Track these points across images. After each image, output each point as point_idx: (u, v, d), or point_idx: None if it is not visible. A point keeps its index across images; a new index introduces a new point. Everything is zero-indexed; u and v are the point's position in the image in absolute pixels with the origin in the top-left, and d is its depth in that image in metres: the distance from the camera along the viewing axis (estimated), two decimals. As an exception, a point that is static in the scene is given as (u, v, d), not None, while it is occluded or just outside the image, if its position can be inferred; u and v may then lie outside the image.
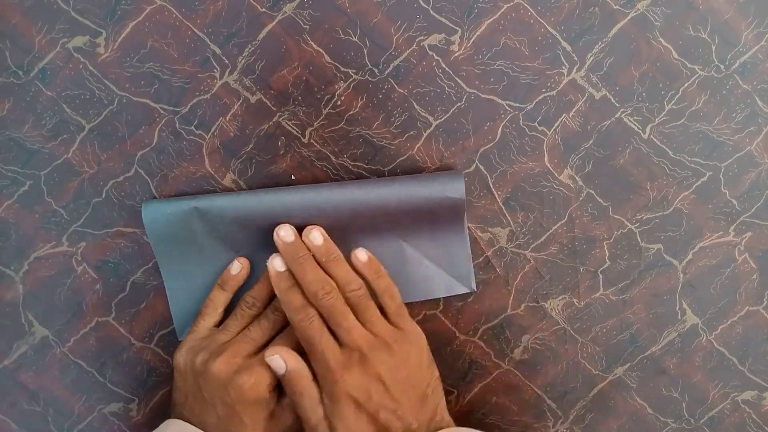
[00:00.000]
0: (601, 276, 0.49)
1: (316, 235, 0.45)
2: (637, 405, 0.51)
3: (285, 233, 0.45)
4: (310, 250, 0.45)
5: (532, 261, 0.49)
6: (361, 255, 0.46)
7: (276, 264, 0.45)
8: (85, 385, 0.49)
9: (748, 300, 0.50)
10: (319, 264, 0.45)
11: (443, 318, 0.50)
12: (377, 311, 0.45)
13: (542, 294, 0.50)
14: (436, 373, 0.46)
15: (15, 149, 0.47)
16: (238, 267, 0.47)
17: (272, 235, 0.45)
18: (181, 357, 0.45)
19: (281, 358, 0.43)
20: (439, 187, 0.46)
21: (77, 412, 0.49)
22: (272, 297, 0.46)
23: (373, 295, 0.46)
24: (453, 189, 0.46)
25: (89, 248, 0.48)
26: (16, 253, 0.48)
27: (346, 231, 0.46)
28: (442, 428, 0.44)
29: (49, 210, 0.48)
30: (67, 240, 0.48)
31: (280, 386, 0.44)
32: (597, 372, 0.50)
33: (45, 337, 0.49)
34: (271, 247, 0.46)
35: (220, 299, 0.47)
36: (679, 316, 0.50)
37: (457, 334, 0.50)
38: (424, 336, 0.46)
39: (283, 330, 0.46)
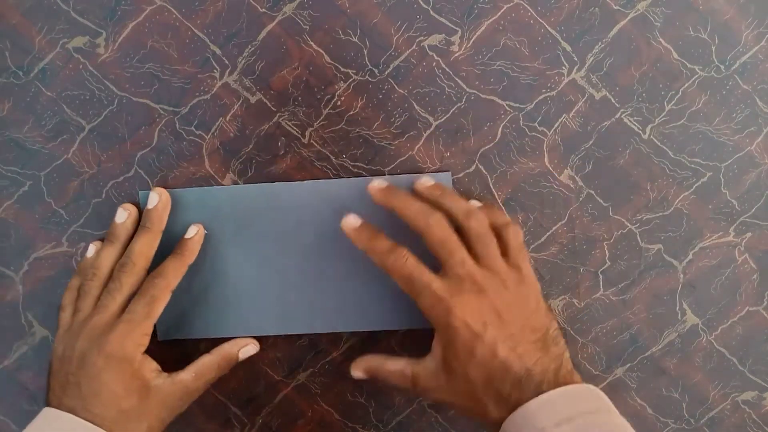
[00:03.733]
0: (601, 276, 0.49)
1: (427, 179, 0.45)
2: (638, 405, 0.50)
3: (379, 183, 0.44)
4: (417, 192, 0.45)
5: (532, 261, 0.49)
6: (475, 202, 0.46)
7: (350, 221, 0.43)
8: (85, 386, 0.49)
9: (748, 300, 0.50)
10: (429, 202, 0.43)
11: (443, 318, 0.49)
12: (497, 248, 0.42)
13: (542, 294, 0.49)
14: (556, 324, 0.42)
15: (15, 149, 0.47)
16: (124, 214, 0.45)
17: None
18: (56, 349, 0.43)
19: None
20: None
21: (77, 412, 0.49)
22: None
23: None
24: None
25: (89, 248, 0.48)
26: (16, 253, 0.48)
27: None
28: (570, 384, 0.38)
29: (49, 210, 0.48)
30: (67, 240, 0.48)
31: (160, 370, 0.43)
32: (597, 372, 0.50)
33: (45, 337, 0.49)
34: (237, 239, 0.46)
35: (108, 257, 0.44)
36: (679, 317, 0.50)
37: (457, 335, 0.50)
38: (538, 284, 0.43)
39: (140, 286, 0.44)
